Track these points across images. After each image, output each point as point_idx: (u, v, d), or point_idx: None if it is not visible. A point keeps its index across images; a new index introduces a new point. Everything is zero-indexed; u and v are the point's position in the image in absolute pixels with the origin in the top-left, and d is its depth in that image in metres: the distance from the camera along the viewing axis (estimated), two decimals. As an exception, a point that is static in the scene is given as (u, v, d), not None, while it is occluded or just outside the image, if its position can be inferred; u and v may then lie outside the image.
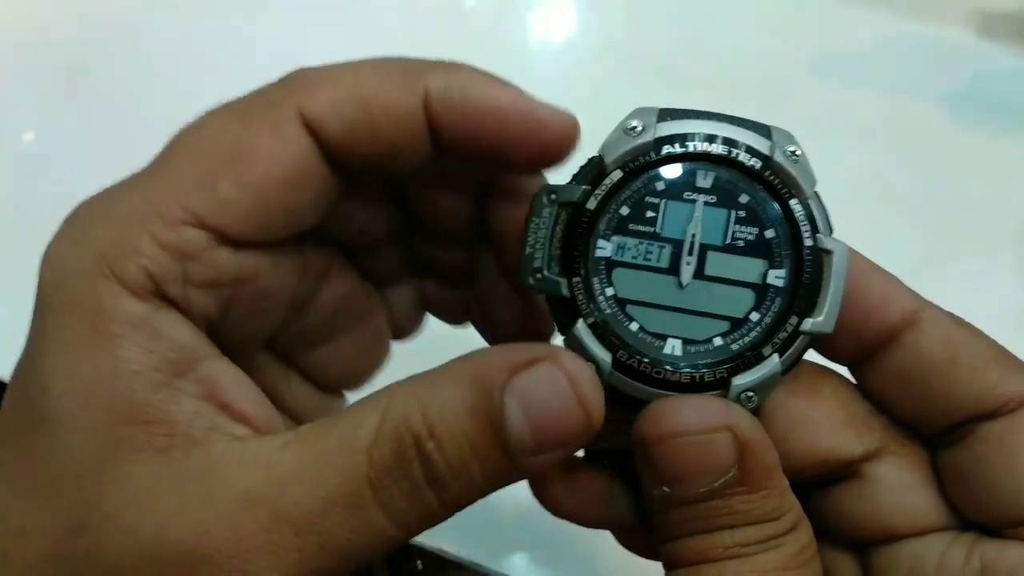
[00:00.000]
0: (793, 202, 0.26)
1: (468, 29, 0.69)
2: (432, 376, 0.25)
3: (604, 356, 0.26)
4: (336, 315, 0.32)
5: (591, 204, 0.26)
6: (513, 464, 0.24)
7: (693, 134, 0.26)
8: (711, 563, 0.25)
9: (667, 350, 0.26)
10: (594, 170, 0.26)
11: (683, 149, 0.26)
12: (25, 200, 0.60)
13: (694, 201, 0.26)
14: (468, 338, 0.34)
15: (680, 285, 0.26)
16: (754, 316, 0.26)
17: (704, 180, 0.26)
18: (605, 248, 0.27)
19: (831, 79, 0.64)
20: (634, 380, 0.26)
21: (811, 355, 0.27)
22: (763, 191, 0.26)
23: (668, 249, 0.26)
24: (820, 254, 0.26)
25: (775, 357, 0.26)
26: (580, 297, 0.26)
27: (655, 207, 0.26)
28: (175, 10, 0.69)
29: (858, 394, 0.28)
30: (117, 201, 0.25)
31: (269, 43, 0.66)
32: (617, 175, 0.26)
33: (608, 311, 0.26)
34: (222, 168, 0.25)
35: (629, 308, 0.27)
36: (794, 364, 0.26)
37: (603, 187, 0.26)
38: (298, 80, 0.26)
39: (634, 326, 0.27)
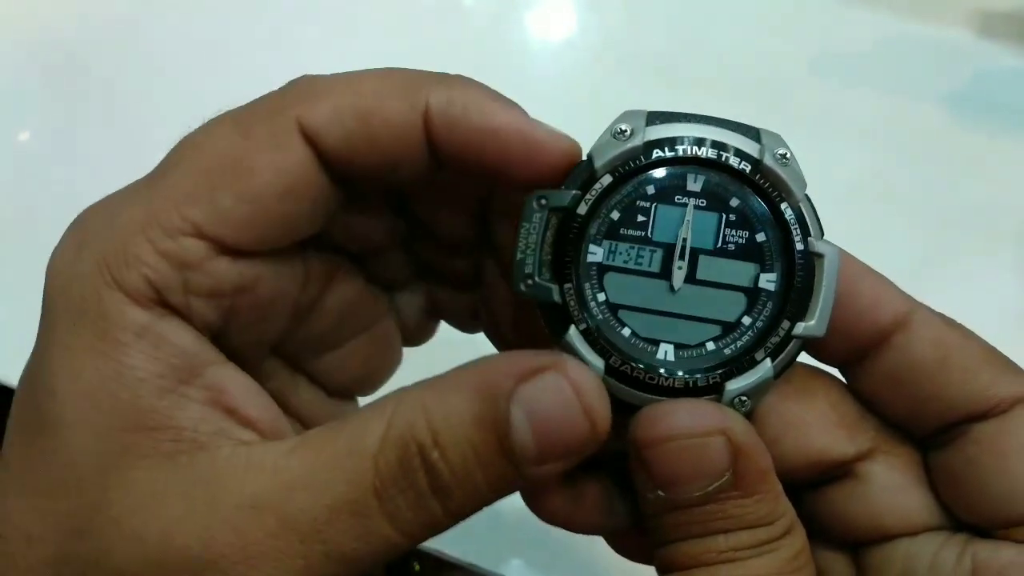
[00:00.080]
0: (783, 205, 0.26)
1: (467, 29, 0.69)
2: (438, 383, 0.25)
3: (596, 362, 0.26)
4: (343, 320, 0.32)
5: (581, 209, 0.26)
6: (518, 473, 0.24)
7: (682, 138, 0.26)
8: (705, 567, 0.25)
9: (660, 355, 0.26)
10: (584, 174, 0.26)
11: (672, 153, 0.26)
12: (25, 199, 0.60)
13: (685, 205, 0.26)
14: (479, 343, 0.34)
15: (672, 289, 0.26)
16: (746, 320, 0.26)
17: (694, 184, 0.26)
18: (596, 253, 0.26)
19: (831, 79, 0.64)
20: (627, 386, 0.26)
21: (802, 356, 0.27)
22: (753, 194, 0.26)
23: (659, 253, 0.26)
24: (811, 257, 0.26)
25: (768, 362, 0.26)
26: (572, 303, 0.26)
27: (646, 211, 0.26)
28: (175, 10, 0.69)
29: (849, 395, 0.28)
30: (119, 209, 0.25)
31: (268, 41, 0.66)
32: (607, 179, 0.26)
33: (600, 317, 0.26)
34: (221, 178, 0.25)
35: (621, 313, 0.26)
36: (786, 368, 0.26)
37: (593, 192, 0.26)
38: (300, 89, 0.26)
39: (626, 331, 0.26)
